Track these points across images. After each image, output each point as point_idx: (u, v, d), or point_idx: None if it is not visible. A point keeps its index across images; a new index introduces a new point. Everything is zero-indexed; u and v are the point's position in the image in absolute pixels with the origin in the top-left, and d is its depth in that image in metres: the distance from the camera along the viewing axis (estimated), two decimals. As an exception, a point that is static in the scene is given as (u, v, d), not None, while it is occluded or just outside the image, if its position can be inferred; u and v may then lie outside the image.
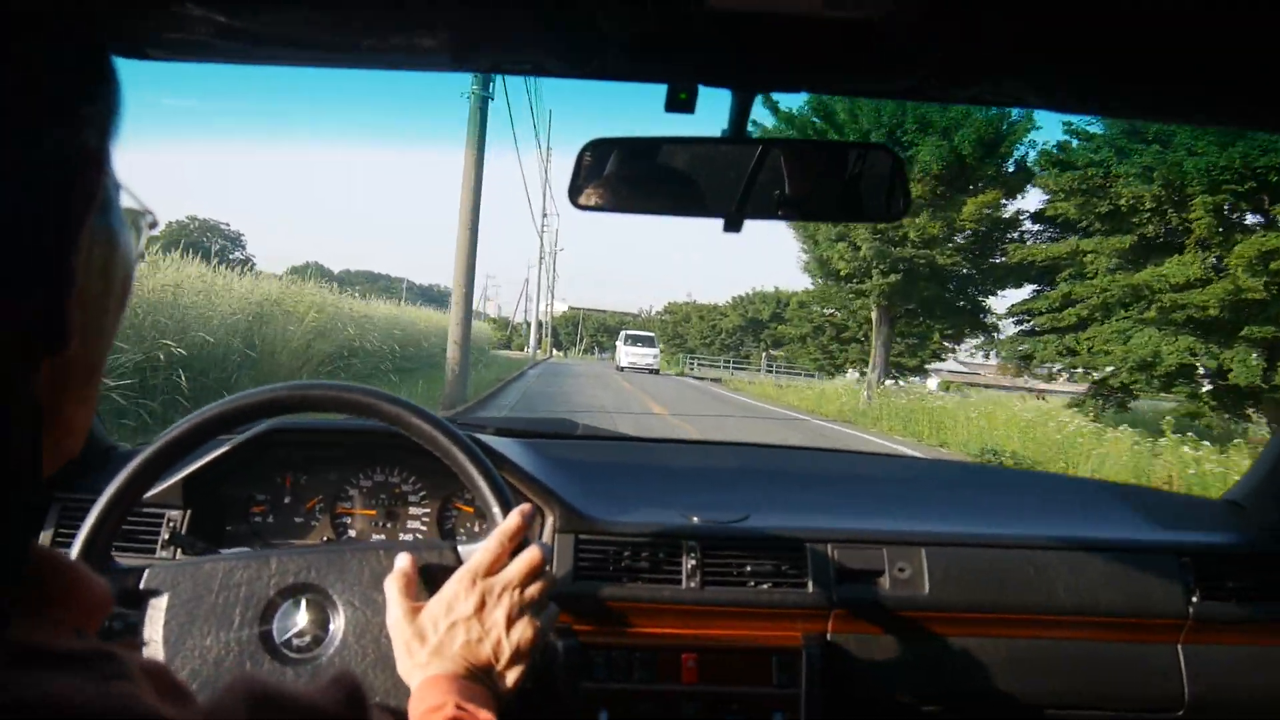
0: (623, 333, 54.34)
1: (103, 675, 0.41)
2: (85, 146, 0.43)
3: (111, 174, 0.47)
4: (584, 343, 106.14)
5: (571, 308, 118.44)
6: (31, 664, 0.38)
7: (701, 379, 46.86)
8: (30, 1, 0.40)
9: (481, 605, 1.01)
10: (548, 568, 1.06)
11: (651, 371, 45.70)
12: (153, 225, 0.54)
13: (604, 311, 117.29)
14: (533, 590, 1.04)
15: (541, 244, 58.62)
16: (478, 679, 0.98)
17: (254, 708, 0.53)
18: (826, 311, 36.03)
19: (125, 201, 0.50)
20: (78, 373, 0.45)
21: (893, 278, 22.89)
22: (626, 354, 47.72)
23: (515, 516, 1.08)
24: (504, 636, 1.00)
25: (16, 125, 0.38)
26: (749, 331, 66.14)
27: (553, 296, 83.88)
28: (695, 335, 75.21)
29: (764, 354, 62.62)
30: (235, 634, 1.13)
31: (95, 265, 0.45)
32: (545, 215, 56.03)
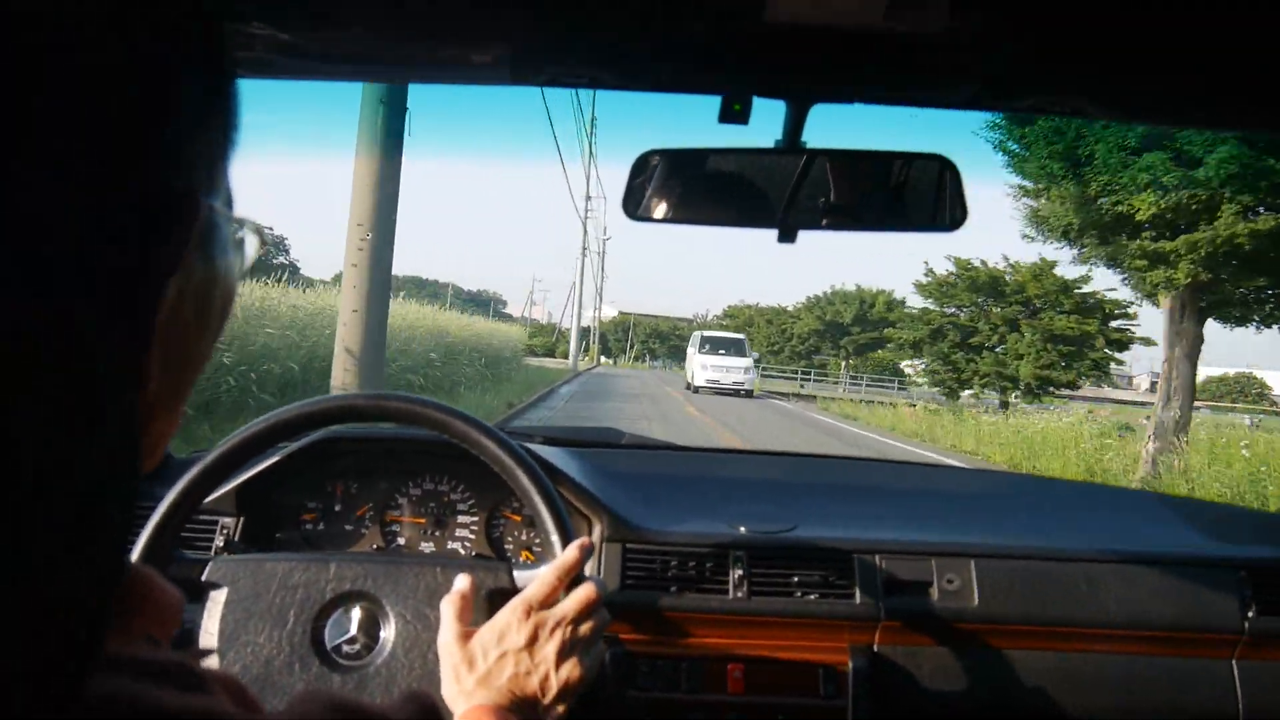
0: (697, 334, 36.64)
1: (184, 686, 0.41)
2: (190, 184, 0.42)
3: (221, 197, 0.46)
4: (634, 349, 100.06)
5: (621, 312, 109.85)
6: (113, 671, 0.38)
7: (783, 396, 36.44)
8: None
9: (534, 638, 1.01)
10: (602, 605, 1.07)
11: (740, 393, 30.87)
12: (264, 244, 0.54)
13: (655, 317, 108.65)
14: (585, 627, 1.04)
15: (585, 233, 46.39)
16: (522, 713, 0.98)
17: (334, 717, 0.54)
18: (947, 311, 27.83)
19: (234, 217, 0.49)
20: (165, 396, 0.44)
21: (1262, 221, 11.38)
22: (704, 366, 31.81)
23: (574, 550, 1.08)
24: (553, 672, 1.00)
25: (111, 166, 0.36)
26: (826, 337, 54.92)
27: (600, 299, 76.73)
28: (761, 341, 63.82)
29: (844, 363, 53.31)
30: (288, 634, 1.16)
31: (189, 295, 0.44)
32: (589, 199, 44.46)
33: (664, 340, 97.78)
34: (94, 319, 0.35)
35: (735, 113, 1.02)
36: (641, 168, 1.17)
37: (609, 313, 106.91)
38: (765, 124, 1.08)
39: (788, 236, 1.14)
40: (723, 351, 32.95)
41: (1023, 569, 1.51)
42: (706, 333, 37.37)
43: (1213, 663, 1.49)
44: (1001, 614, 1.47)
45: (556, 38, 0.94)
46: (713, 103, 1.02)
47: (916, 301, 30.42)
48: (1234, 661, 1.49)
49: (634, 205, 1.18)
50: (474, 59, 0.96)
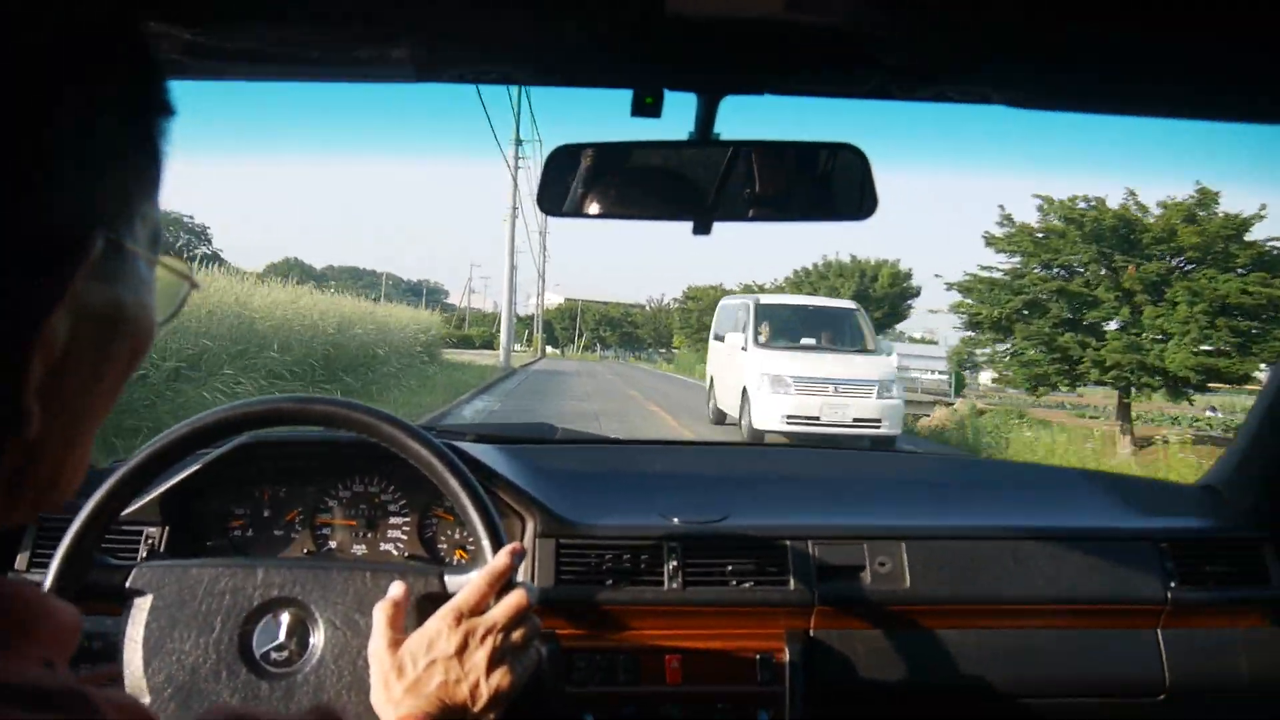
0: (740, 302, 15.51)
1: (70, 713, 0.40)
2: (84, 217, 0.40)
3: (138, 231, 0.44)
4: (583, 339, 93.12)
5: (568, 299, 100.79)
6: (2, 700, 0.37)
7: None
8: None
9: (464, 646, 1.00)
10: (532, 611, 1.06)
11: (869, 441, 11.87)
12: (194, 286, 0.52)
13: (605, 303, 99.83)
14: (516, 635, 1.03)
15: (515, 187, 29.51)
16: None
17: None
18: (1038, 272, 17.21)
19: (152, 255, 0.47)
20: (55, 437, 0.43)
21: None
22: (778, 380, 12.37)
23: (504, 556, 1.08)
24: (483, 680, 0.99)
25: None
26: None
27: (543, 280, 67.12)
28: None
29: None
30: (215, 641, 1.14)
31: (84, 333, 0.42)
32: (520, 143, 29.69)
33: (615, 327, 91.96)
34: None
35: (647, 106, 1.02)
36: (555, 162, 1.17)
37: (554, 300, 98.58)
38: (680, 117, 1.08)
39: (702, 229, 1.15)
40: (813, 341, 14.08)
41: (952, 549, 1.54)
42: (767, 298, 16.27)
43: (1139, 633, 1.54)
44: (933, 594, 1.50)
45: (461, 35, 0.93)
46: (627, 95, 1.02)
47: (956, 269, 19.78)
48: (1159, 631, 1.54)
49: (549, 201, 1.18)
50: (379, 58, 0.95)
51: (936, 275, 32.80)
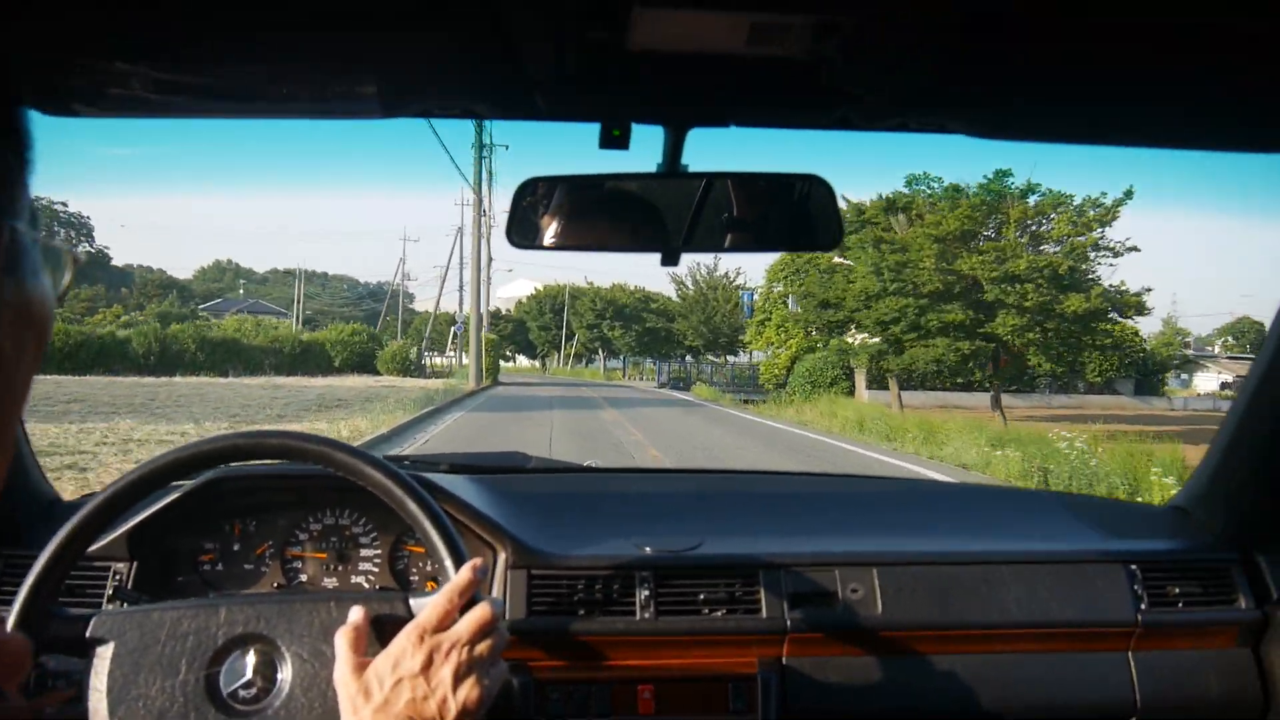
0: None
1: None
2: None
3: (23, 218, 0.45)
4: (574, 343, 63.91)
5: (545, 286, 67.98)
6: None
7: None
8: None
9: (429, 662, 1.00)
10: (499, 624, 1.05)
11: None
12: (77, 261, 0.51)
13: (607, 286, 62.91)
14: (482, 648, 1.03)
15: None
16: None
17: None
18: None
19: (41, 239, 0.47)
20: None
21: None
22: None
23: (466, 571, 1.07)
24: (450, 695, 0.98)
25: None
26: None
27: (486, 243, 39.00)
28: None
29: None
30: (181, 684, 1.12)
31: (3, 324, 0.42)
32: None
33: (629, 323, 57.82)
34: None
35: (615, 138, 1.03)
36: (524, 195, 1.18)
37: (523, 289, 69.96)
38: (649, 149, 1.01)
39: (671, 259, 1.16)
40: None
41: (924, 574, 1.54)
42: None
43: (1110, 655, 1.55)
44: (904, 620, 1.51)
45: (426, 72, 0.94)
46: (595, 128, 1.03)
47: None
48: (1129, 653, 1.55)
49: (519, 234, 1.19)
50: (345, 95, 0.96)
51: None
